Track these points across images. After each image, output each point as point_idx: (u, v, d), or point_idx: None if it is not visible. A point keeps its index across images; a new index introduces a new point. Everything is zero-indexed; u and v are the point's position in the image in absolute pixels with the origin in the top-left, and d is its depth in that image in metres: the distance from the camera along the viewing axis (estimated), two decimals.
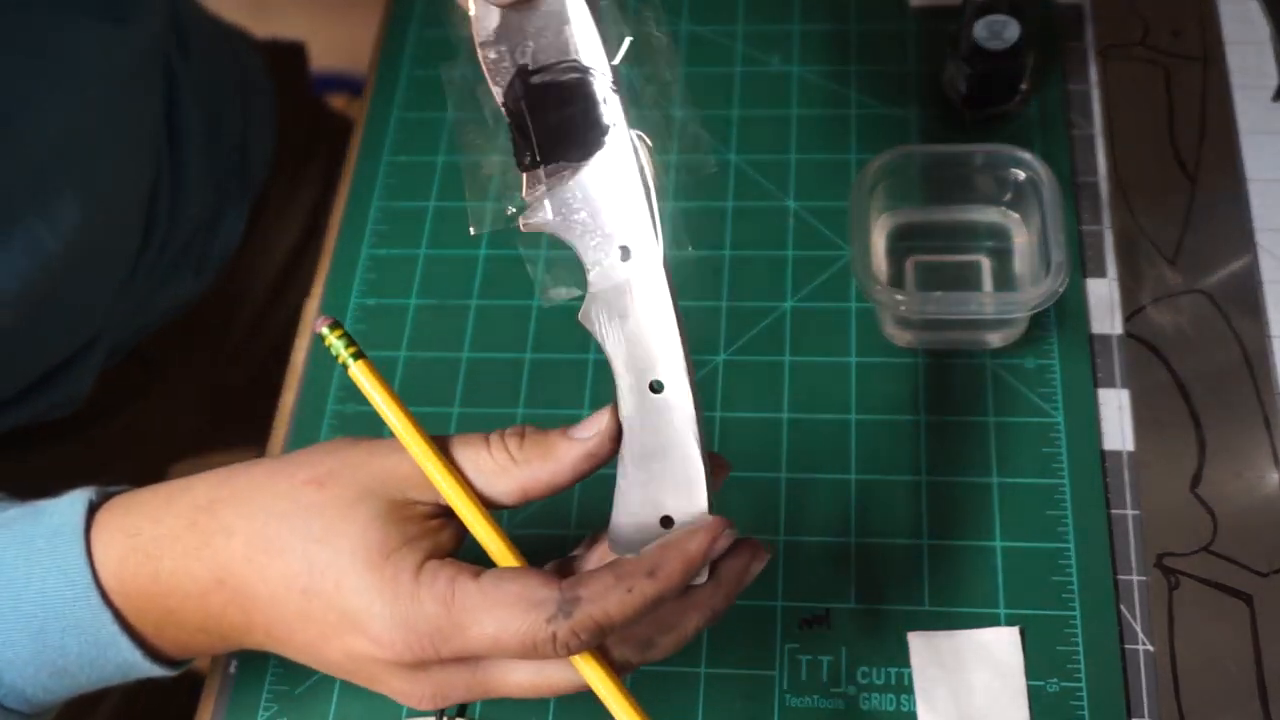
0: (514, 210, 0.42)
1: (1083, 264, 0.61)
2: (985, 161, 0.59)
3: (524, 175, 0.41)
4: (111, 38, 0.61)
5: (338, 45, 1.07)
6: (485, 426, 0.60)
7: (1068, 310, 0.59)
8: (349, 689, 0.53)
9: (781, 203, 0.64)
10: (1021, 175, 0.58)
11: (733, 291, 0.62)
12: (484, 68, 0.41)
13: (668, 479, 0.41)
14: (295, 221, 0.81)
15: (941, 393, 0.58)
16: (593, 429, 0.42)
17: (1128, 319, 0.59)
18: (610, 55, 0.41)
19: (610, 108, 0.41)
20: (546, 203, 0.41)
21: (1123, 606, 0.52)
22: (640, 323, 0.41)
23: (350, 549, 0.41)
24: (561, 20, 0.40)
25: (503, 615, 0.39)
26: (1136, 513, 0.54)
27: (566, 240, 0.41)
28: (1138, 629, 0.52)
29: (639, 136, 0.41)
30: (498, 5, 0.39)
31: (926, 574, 0.54)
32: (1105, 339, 0.59)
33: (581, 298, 0.41)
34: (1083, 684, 0.51)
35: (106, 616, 0.43)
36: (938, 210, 0.62)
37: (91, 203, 0.60)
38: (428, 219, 0.67)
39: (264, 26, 0.88)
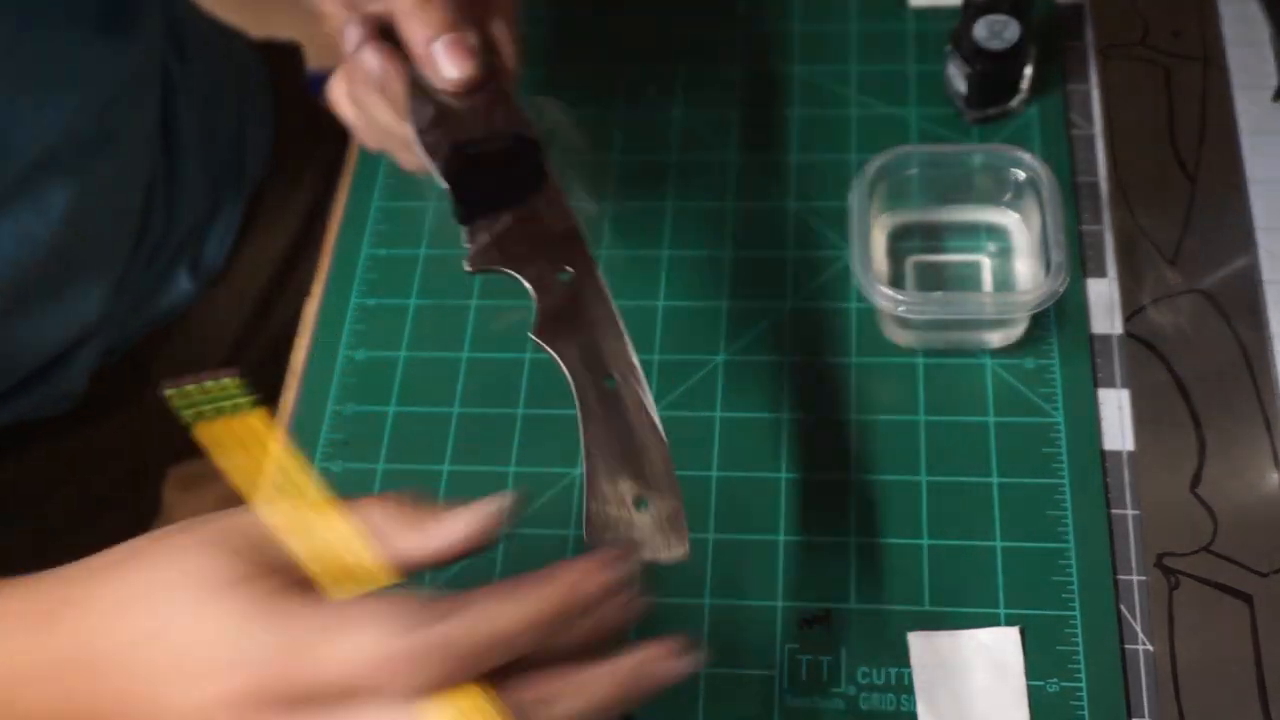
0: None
1: (1083, 264, 0.61)
2: (985, 161, 0.59)
3: (466, 229, 0.48)
4: (111, 48, 0.61)
5: (333, 46, 1.07)
6: (485, 426, 0.61)
7: (1068, 310, 0.59)
8: None
9: (781, 203, 0.64)
10: (1021, 175, 0.58)
11: (733, 291, 0.62)
12: (422, 150, 0.49)
13: (633, 461, 0.44)
14: (291, 222, 0.81)
15: (941, 393, 0.58)
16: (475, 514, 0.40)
17: (1128, 319, 0.59)
18: (535, 123, 0.50)
19: (539, 160, 0.49)
20: (491, 246, 0.47)
21: (1123, 606, 0.52)
22: (589, 329, 0.46)
23: (196, 582, 0.36)
24: (491, 105, 0.49)
25: (356, 630, 0.34)
26: (1136, 512, 0.54)
27: (511, 272, 0.47)
28: (1138, 629, 0.52)
29: (565, 169, 0.49)
30: (436, 94, 0.49)
31: (926, 574, 0.54)
32: (1105, 339, 0.59)
33: (529, 318, 0.47)
34: (1083, 684, 0.51)
35: None
36: (938, 210, 0.62)
37: (83, 196, 0.60)
38: (428, 219, 0.67)
39: (260, 27, 0.88)
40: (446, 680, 0.34)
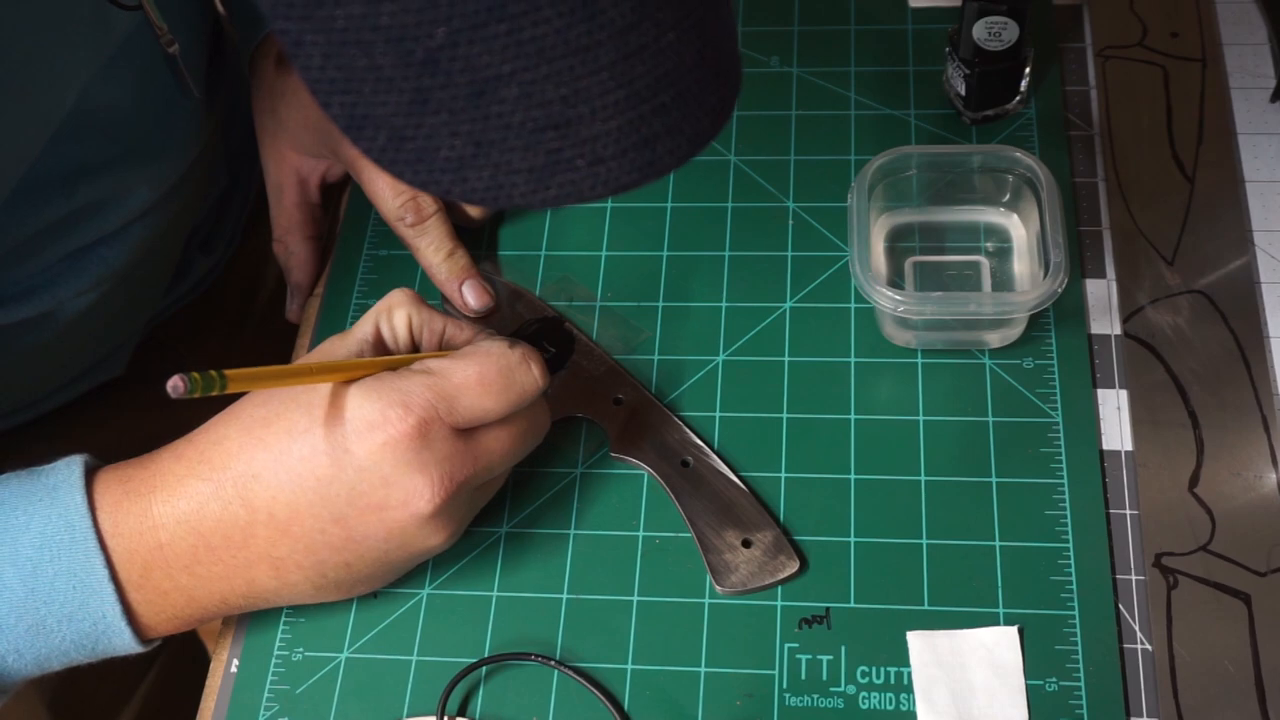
0: None
1: (1081, 264, 0.61)
2: (984, 162, 0.59)
3: None
4: (206, 113, 0.66)
5: None
6: None
7: (1066, 310, 0.59)
8: (350, 687, 0.53)
9: (781, 203, 0.65)
10: (1021, 176, 0.59)
11: (733, 291, 0.62)
12: None
13: (727, 514, 0.55)
14: None
15: (941, 393, 0.58)
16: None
17: (1126, 319, 0.59)
18: (548, 305, 0.62)
19: (564, 328, 0.61)
20: (554, 403, 0.56)
21: (1121, 606, 0.52)
22: (653, 432, 0.58)
23: (317, 390, 0.47)
24: (514, 301, 0.62)
25: (477, 356, 0.48)
26: (1135, 512, 0.54)
27: (578, 414, 0.58)
28: (1136, 628, 0.52)
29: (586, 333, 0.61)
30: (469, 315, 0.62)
31: (926, 573, 0.54)
32: (1104, 339, 0.59)
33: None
34: (1081, 683, 0.51)
35: (99, 560, 0.46)
36: (937, 210, 0.62)
37: (169, 222, 0.65)
38: None
39: None
40: (536, 372, 0.50)
